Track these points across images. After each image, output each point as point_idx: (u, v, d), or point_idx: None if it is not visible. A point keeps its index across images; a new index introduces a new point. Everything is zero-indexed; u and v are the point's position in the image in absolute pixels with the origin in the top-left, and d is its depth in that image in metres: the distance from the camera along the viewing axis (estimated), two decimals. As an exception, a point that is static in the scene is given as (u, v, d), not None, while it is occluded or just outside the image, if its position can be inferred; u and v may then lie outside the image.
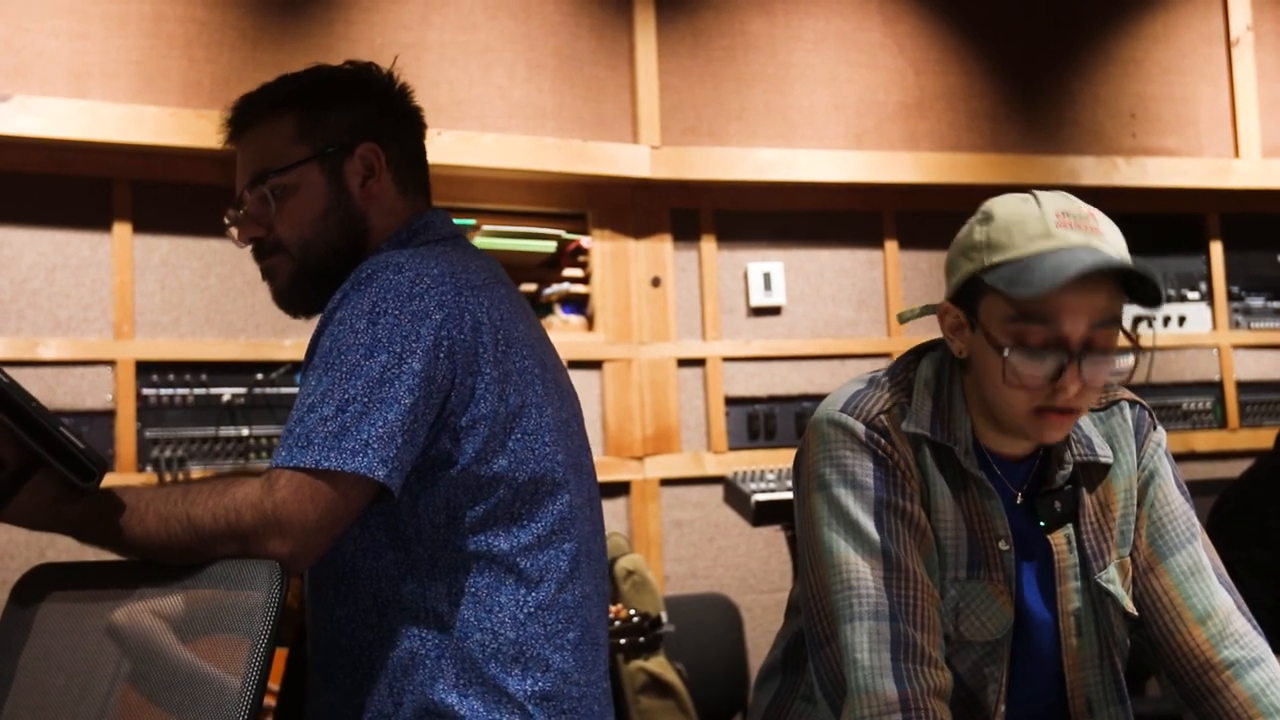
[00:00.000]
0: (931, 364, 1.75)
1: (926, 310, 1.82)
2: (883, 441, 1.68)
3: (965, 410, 1.71)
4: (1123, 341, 1.64)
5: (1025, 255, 1.60)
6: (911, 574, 1.63)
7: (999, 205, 1.66)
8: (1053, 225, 1.61)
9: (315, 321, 1.87)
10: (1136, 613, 1.76)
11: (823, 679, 1.68)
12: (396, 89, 1.87)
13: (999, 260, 1.61)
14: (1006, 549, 1.69)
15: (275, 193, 1.78)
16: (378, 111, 1.83)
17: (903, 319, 1.83)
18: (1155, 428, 1.84)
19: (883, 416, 1.69)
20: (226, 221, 1.84)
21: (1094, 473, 1.77)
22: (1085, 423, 1.79)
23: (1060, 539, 1.73)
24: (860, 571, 1.64)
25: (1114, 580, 1.75)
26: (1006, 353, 1.59)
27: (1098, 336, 1.60)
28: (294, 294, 1.81)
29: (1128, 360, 1.65)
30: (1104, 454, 1.77)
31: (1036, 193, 1.67)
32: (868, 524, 1.65)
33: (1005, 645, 1.69)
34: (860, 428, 1.68)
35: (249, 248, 1.84)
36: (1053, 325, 1.59)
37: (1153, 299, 1.61)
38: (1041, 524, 1.74)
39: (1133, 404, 1.84)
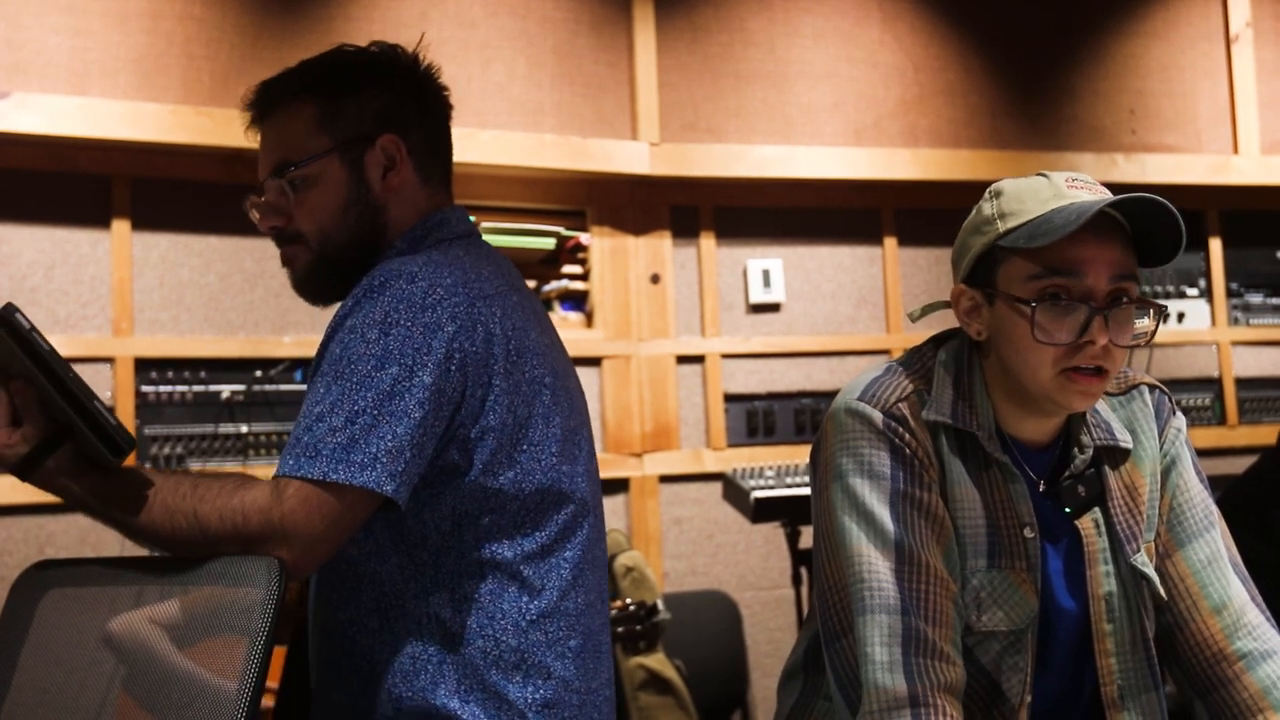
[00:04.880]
0: (950, 352, 1.74)
1: (937, 306, 1.82)
2: (900, 430, 1.67)
3: (986, 396, 1.70)
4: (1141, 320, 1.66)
5: (1042, 213, 1.62)
6: (925, 567, 1.62)
7: (1007, 182, 1.69)
8: (1064, 188, 1.64)
9: (319, 310, 1.87)
10: (1165, 597, 1.75)
11: (837, 671, 1.67)
12: (421, 72, 1.83)
13: (1015, 225, 1.63)
14: (1032, 536, 1.68)
15: (295, 184, 1.75)
16: (400, 98, 1.79)
17: (914, 318, 1.82)
18: (1175, 413, 1.84)
19: (901, 404, 1.68)
20: (248, 207, 1.82)
21: (1116, 456, 1.76)
22: (1103, 408, 1.78)
23: (1088, 523, 1.72)
24: (874, 564, 1.63)
25: (1147, 564, 1.73)
26: (1034, 306, 1.59)
27: (1120, 290, 1.61)
28: (312, 283, 1.80)
29: (1147, 322, 1.66)
30: (1123, 439, 1.76)
31: (1042, 172, 1.70)
32: (883, 515, 1.64)
33: (1029, 634, 1.68)
34: (878, 416, 1.67)
35: (266, 234, 1.83)
36: (1076, 278, 1.59)
37: (1170, 248, 1.61)
38: (1067, 510, 1.72)
39: (1152, 388, 1.84)
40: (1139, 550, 1.73)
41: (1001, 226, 1.65)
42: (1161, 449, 1.80)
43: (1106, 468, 1.74)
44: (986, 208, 1.69)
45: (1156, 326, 1.67)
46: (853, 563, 1.64)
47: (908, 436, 1.67)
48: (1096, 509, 1.73)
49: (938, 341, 1.78)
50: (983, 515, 1.68)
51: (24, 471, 1.51)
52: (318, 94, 1.76)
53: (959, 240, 1.73)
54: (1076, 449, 1.74)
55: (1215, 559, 1.78)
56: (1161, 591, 1.74)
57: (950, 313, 1.77)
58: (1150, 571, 1.73)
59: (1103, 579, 1.71)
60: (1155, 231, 1.63)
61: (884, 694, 1.58)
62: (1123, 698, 1.71)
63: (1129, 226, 1.64)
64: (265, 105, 1.79)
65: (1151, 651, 1.73)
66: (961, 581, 1.67)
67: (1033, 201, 1.64)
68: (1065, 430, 1.75)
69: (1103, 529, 1.72)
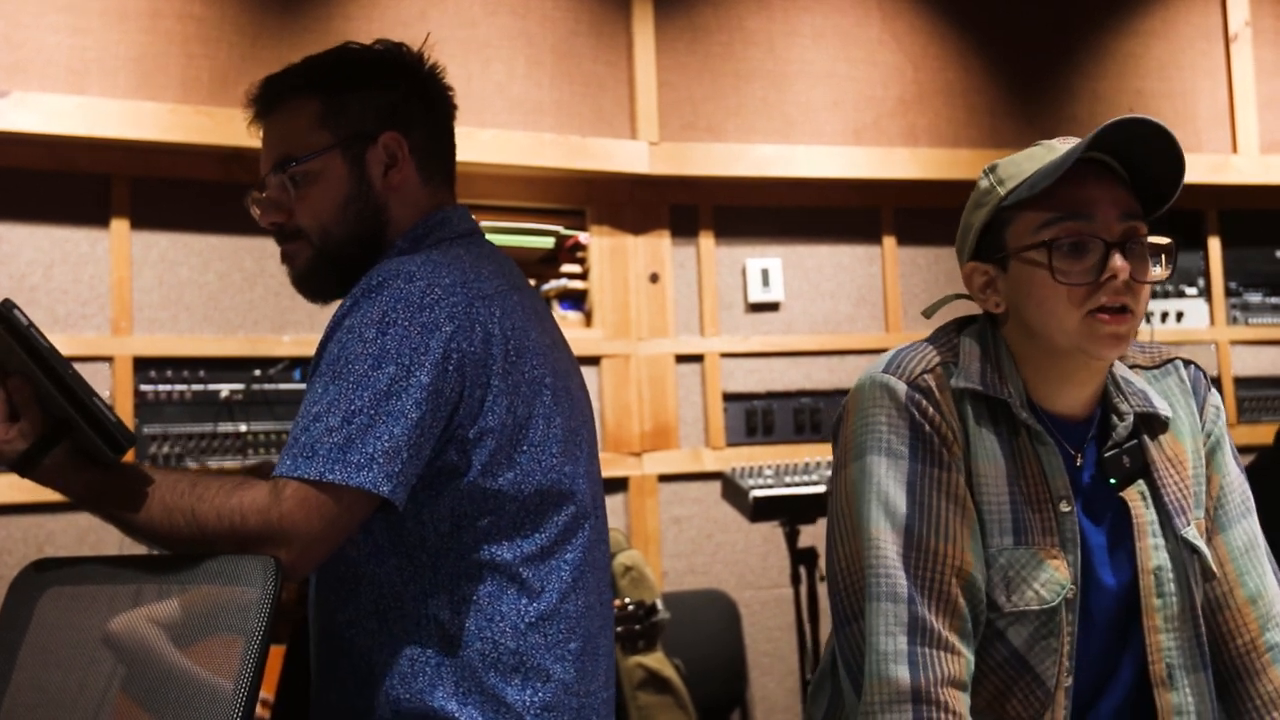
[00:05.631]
0: (973, 331, 1.71)
1: (950, 298, 1.81)
2: (924, 403, 1.63)
3: (1015, 369, 1.67)
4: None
5: (1040, 166, 1.62)
6: (936, 553, 1.58)
7: (1000, 159, 1.70)
8: (1056, 145, 1.66)
9: (318, 309, 1.87)
10: (1216, 573, 1.71)
11: (845, 656, 1.64)
12: (425, 71, 1.83)
13: (1014, 185, 1.64)
14: (1068, 510, 1.63)
15: (296, 180, 1.74)
16: (404, 96, 1.79)
17: (928, 314, 1.80)
18: (1210, 389, 1.80)
19: (927, 376, 1.64)
20: (249, 203, 1.81)
21: (1155, 426, 1.72)
22: (1138, 379, 1.75)
23: (1134, 495, 1.68)
24: (884, 550, 1.59)
25: (1197, 536, 1.69)
26: (1049, 246, 1.58)
27: (1131, 229, 1.60)
28: (312, 280, 1.79)
29: (1159, 271, 1.64)
30: (1162, 408, 1.72)
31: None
32: (899, 498, 1.60)
33: (1064, 613, 1.62)
34: (902, 388, 1.63)
35: (266, 230, 1.82)
36: (1086, 219, 1.59)
37: (1171, 181, 1.61)
38: (1111, 482, 1.68)
39: (1186, 363, 1.81)
40: (1189, 524, 1.69)
41: (1001, 192, 1.65)
42: (1204, 427, 1.77)
43: (1147, 438, 1.70)
44: (984, 182, 1.69)
45: (1174, 267, 1.65)
46: (865, 547, 1.61)
47: (931, 411, 1.63)
48: (1142, 481, 1.69)
49: (960, 324, 1.75)
50: (1006, 492, 1.64)
51: (22, 467, 1.51)
52: (321, 90, 1.76)
53: (961, 223, 1.72)
54: (1115, 416, 1.70)
55: (1253, 546, 1.75)
56: (1213, 565, 1.70)
57: (960, 307, 1.76)
58: (1201, 545, 1.68)
59: (1152, 552, 1.66)
60: (1154, 169, 1.62)
61: (886, 686, 1.55)
62: (1171, 676, 1.66)
63: (1129, 176, 1.64)
64: (268, 101, 1.79)
65: (1200, 627, 1.68)
66: (988, 560, 1.62)
67: (1028, 163, 1.65)
68: (1101, 403, 1.71)
69: (1150, 501, 1.68)
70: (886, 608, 1.58)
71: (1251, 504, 1.78)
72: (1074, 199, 1.59)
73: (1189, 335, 4.87)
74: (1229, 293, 4.97)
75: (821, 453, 4.09)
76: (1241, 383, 4.93)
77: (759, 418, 4.41)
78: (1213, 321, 4.93)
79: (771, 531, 3.92)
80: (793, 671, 4.17)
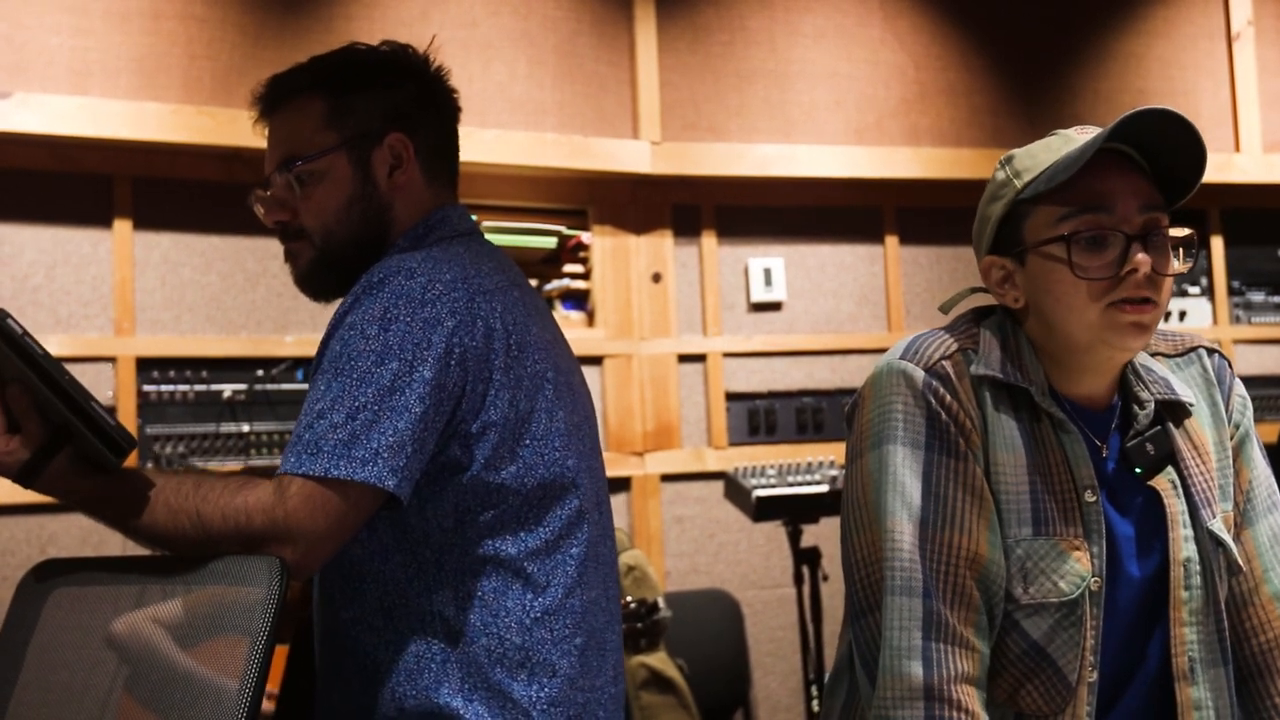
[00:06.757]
0: (992, 322, 1.68)
1: (965, 293, 1.78)
2: (941, 390, 1.59)
3: (1036, 359, 1.64)
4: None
5: (1057, 158, 1.59)
6: (951, 546, 1.56)
7: (1015, 150, 1.67)
8: (1074, 135, 1.62)
9: (320, 309, 1.88)
10: (1243, 567, 1.68)
11: (861, 648, 1.62)
12: (431, 72, 1.84)
13: (1031, 177, 1.60)
14: (1093, 500, 1.60)
15: (301, 179, 1.75)
16: (408, 97, 1.79)
17: (944, 310, 1.78)
18: (1236, 379, 1.78)
19: (945, 362, 1.61)
20: (253, 201, 1.82)
21: (1178, 413, 1.68)
22: (1160, 367, 1.72)
23: (1165, 484, 1.64)
24: (900, 541, 1.57)
25: (1223, 530, 1.66)
26: (1069, 240, 1.55)
27: (1152, 220, 1.58)
28: (315, 279, 1.80)
29: (1178, 265, 1.62)
30: (1185, 395, 1.69)
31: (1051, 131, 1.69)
32: (914, 488, 1.58)
33: (1087, 605, 1.59)
34: (920, 375, 1.60)
35: (270, 229, 1.82)
36: (1106, 212, 1.56)
37: (1193, 169, 1.59)
38: (1137, 470, 1.65)
39: (1210, 351, 1.78)
40: (1215, 516, 1.66)
41: (1018, 184, 1.61)
42: (1230, 419, 1.75)
43: (1171, 425, 1.68)
44: (1000, 174, 1.65)
45: (1195, 259, 1.63)
46: (882, 539, 1.59)
47: (949, 399, 1.59)
48: (1170, 469, 1.66)
49: (978, 314, 1.72)
50: (1028, 481, 1.60)
51: (25, 477, 1.50)
52: (327, 90, 1.76)
53: (977, 217, 1.69)
54: (1136, 405, 1.67)
55: (1278, 541, 1.72)
56: (1239, 559, 1.67)
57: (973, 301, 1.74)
58: (1226, 538, 1.66)
59: (1183, 543, 1.63)
60: (1174, 158, 1.59)
61: (899, 682, 1.54)
62: (1193, 670, 1.63)
63: (1149, 166, 1.61)
64: (274, 100, 1.79)
65: (1223, 622, 1.65)
66: (1005, 552, 1.59)
67: (1045, 154, 1.61)
68: (1121, 392, 1.68)
69: (1180, 490, 1.65)
70: (901, 602, 1.56)
71: (1278, 498, 1.75)
72: (1093, 191, 1.56)
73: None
74: (1232, 291, 4.97)
75: (824, 452, 4.09)
76: (1244, 382, 4.92)
77: (761, 417, 4.41)
78: (1215, 320, 4.93)
79: (774, 531, 3.92)
80: (795, 671, 4.16)
